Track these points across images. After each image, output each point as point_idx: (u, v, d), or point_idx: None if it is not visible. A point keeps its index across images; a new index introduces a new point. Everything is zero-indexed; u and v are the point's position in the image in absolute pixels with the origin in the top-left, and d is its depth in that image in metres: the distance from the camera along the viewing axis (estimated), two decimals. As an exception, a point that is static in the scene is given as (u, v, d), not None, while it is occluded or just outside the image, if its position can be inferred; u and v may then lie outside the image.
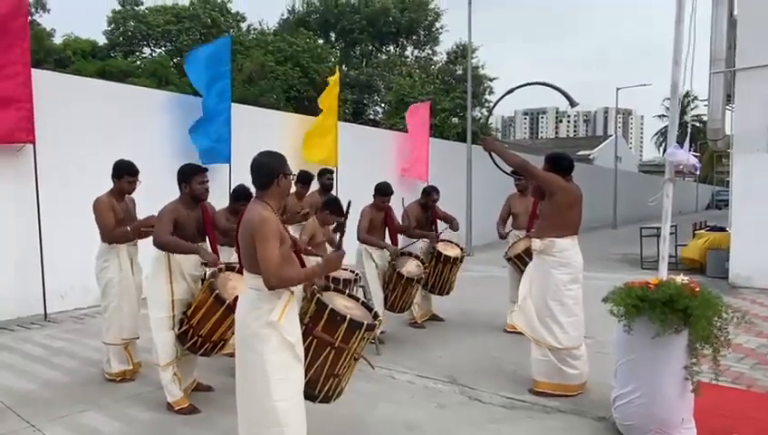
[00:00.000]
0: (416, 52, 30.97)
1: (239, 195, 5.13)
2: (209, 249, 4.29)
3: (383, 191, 6.04)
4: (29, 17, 17.09)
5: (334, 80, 10.89)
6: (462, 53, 26.34)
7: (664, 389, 3.42)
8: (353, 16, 27.78)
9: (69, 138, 7.33)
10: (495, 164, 4.90)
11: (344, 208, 3.35)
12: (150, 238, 4.70)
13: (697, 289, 3.46)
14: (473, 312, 7.34)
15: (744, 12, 9.56)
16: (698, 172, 4.06)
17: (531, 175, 4.57)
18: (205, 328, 3.97)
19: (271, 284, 2.73)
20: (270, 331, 2.79)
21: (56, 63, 19.92)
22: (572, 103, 4.81)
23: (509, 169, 5.09)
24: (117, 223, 4.62)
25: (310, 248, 4.92)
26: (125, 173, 4.66)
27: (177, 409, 4.05)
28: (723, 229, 11.17)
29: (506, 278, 6.82)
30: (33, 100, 6.70)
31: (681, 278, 3.61)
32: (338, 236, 3.18)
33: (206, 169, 4.33)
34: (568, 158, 4.64)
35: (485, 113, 26.06)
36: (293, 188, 5.87)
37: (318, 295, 3.12)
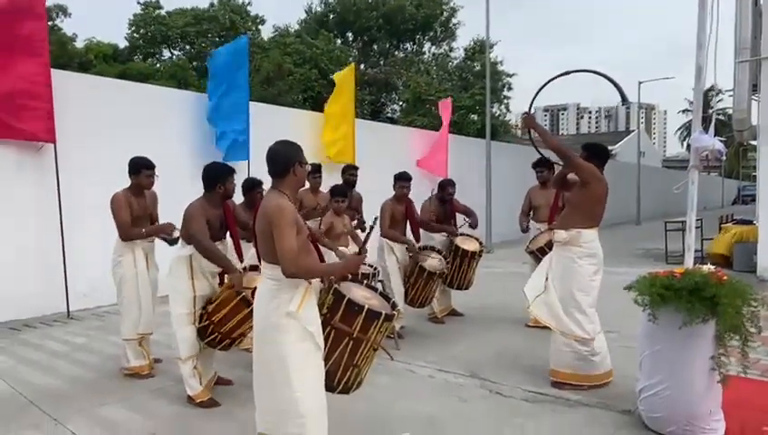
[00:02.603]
0: (433, 48, 30.86)
1: (250, 185, 5.24)
2: (233, 248, 4.33)
3: (403, 176, 6.07)
4: (50, 21, 17.35)
5: (348, 76, 10.82)
6: (479, 49, 26.17)
7: (691, 380, 3.33)
8: (371, 14, 27.75)
9: (89, 137, 7.42)
10: (533, 143, 4.79)
11: (369, 224, 3.35)
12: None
13: (725, 277, 3.36)
14: (493, 307, 7.26)
15: (769, -1, 9.32)
16: (724, 158, 3.96)
17: (569, 160, 4.38)
18: (227, 326, 4.00)
19: (289, 271, 2.70)
20: (289, 321, 2.77)
21: (78, 67, 20.21)
22: (624, 100, 4.60)
23: (546, 153, 4.87)
24: (133, 220, 4.65)
25: (327, 240, 4.91)
26: (142, 167, 4.69)
27: (197, 402, 4.06)
28: (750, 222, 10.91)
29: (527, 274, 6.73)
30: (53, 99, 6.79)
31: (708, 267, 3.52)
32: (363, 235, 3.17)
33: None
34: (606, 149, 4.56)
35: (504, 110, 25.89)
36: (307, 184, 5.85)
37: (335, 286, 3.09)
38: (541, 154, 5.12)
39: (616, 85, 4.52)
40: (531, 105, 4.91)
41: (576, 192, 4.43)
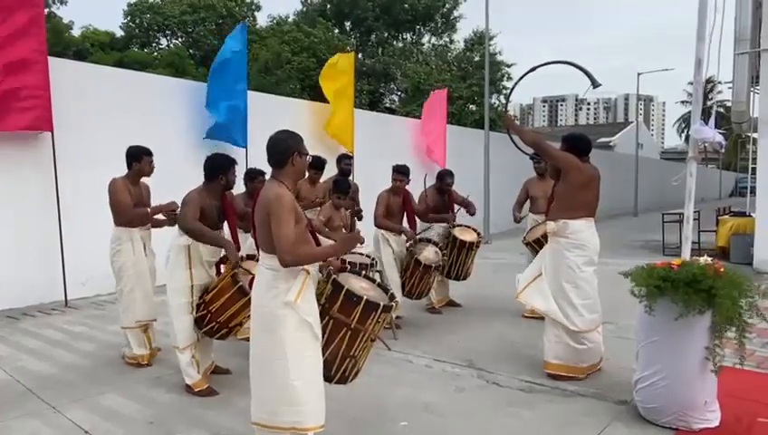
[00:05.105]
0: (433, 39, 30.71)
1: (254, 173, 5.29)
2: (230, 238, 4.33)
3: (399, 169, 6.03)
4: (46, 8, 17.20)
5: (347, 64, 10.76)
6: (479, 40, 26.06)
7: (687, 371, 3.35)
8: (368, 4, 27.57)
9: (86, 125, 7.38)
10: (515, 144, 4.81)
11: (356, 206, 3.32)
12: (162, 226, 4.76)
13: (722, 269, 3.37)
14: (490, 298, 7.28)
15: (769, -10, 9.28)
16: (723, 150, 3.97)
17: (545, 153, 4.52)
18: (224, 315, 4.01)
19: (286, 261, 2.70)
20: (287, 311, 2.77)
21: (75, 55, 20.07)
22: (594, 84, 4.64)
23: (530, 151, 4.98)
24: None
25: (326, 230, 4.91)
26: (143, 154, 4.70)
27: (195, 391, 4.07)
28: (746, 214, 10.94)
29: (524, 265, 6.74)
30: (50, 88, 6.75)
31: (705, 259, 3.53)
32: (354, 220, 3.16)
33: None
34: (585, 139, 4.56)
35: (503, 100, 25.76)
36: (306, 174, 5.86)
37: (334, 276, 3.09)
38: (523, 151, 5.15)
39: (584, 71, 4.56)
40: (506, 105, 5.35)
41: (559, 184, 4.47)
